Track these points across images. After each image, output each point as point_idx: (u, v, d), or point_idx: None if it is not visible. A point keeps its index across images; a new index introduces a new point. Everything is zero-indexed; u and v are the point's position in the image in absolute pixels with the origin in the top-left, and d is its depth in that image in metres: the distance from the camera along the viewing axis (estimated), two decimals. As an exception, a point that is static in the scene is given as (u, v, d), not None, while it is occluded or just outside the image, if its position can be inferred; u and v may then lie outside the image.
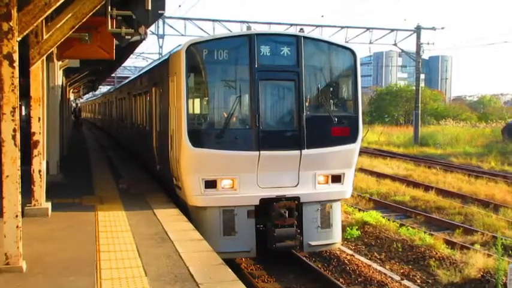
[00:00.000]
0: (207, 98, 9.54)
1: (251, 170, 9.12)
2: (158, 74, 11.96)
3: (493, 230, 13.35)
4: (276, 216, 9.19)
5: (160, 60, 13.15)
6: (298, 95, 9.33)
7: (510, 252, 11.52)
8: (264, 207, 9.27)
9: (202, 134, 9.18)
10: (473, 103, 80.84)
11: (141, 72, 17.84)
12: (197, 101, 9.68)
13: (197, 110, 9.57)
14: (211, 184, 9.09)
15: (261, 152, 9.06)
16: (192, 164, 9.07)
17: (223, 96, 9.60)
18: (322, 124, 9.51)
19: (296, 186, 9.45)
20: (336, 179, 9.77)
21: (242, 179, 9.13)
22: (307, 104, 9.46)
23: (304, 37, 9.60)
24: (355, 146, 9.83)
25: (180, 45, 10.02)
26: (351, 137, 9.75)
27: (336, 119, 9.54)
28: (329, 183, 9.73)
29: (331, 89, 9.91)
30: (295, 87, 9.34)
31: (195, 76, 9.27)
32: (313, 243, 9.60)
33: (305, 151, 9.26)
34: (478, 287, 9.45)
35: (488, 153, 30.96)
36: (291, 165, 9.33)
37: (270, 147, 9.11)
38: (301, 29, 9.58)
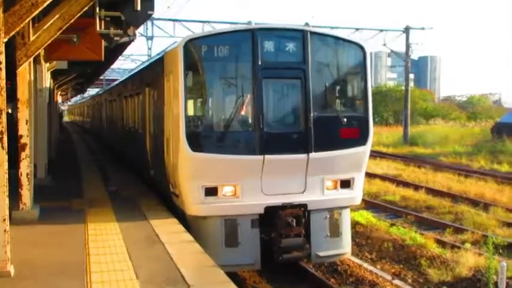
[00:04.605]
0: (206, 99, 8.88)
1: (255, 175, 8.45)
2: (152, 74, 11.37)
3: (483, 228, 13.45)
4: (283, 226, 8.51)
5: (153, 59, 12.47)
6: (305, 94, 8.64)
7: (501, 251, 11.59)
8: (269, 216, 8.59)
9: (202, 137, 8.45)
10: (462, 103, 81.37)
11: (133, 72, 17.36)
12: (196, 101, 9.06)
13: (196, 112, 8.89)
14: (211, 191, 8.41)
15: (266, 156, 8.39)
16: (191, 169, 8.39)
17: (224, 96, 8.97)
18: (330, 125, 8.85)
19: (303, 192, 8.78)
20: (345, 184, 9.13)
21: (245, 185, 8.46)
22: (314, 103, 8.72)
23: (311, 32, 8.86)
24: (366, 149, 9.14)
25: (175, 42, 9.56)
26: (361, 139, 9.05)
27: (345, 120, 8.88)
28: (338, 188, 9.08)
29: (340, 87, 9.34)
30: (302, 85, 8.65)
31: (193, 75, 8.52)
32: (321, 253, 8.92)
33: (312, 154, 8.58)
34: (469, 285, 9.52)
35: (478, 152, 31.18)
36: (298, 169, 8.66)
37: (275, 151, 8.45)
38: (307, 23, 9.14)
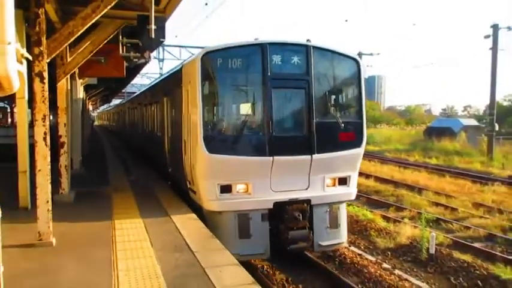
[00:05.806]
0: (221, 106, 7.90)
1: (265, 174, 7.65)
2: (170, 85, 10.38)
3: (417, 207, 13.60)
4: (290, 219, 7.77)
5: (169, 73, 11.49)
6: (309, 102, 7.85)
7: (431, 224, 11.76)
8: (277, 210, 7.83)
9: (218, 141, 7.54)
10: (402, 111, 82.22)
11: (150, 85, 16.57)
12: (212, 108, 8.04)
13: (212, 117, 7.89)
14: (226, 189, 7.59)
15: (274, 157, 7.57)
16: (208, 169, 7.53)
17: (236, 103, 8.15)
18: (330, 130, 8.05)
19: (307, 189, 7.97)
20: (343, 181, 8.36)
21: (256, 183, 7.65)
22: (316, 110, 7.93)
23: (313, 47, 8.05)
24: (360, 150, 8.35)
25: (192, 55, 8.96)
26: (356, 142, 8.25)
27: (343, 125, 8.06)
28: (336, 185, 8.29)
29: (338, 96, 8.49)
30: (306, 94, 7.86)
31: (209, 84, 7.62)
32: (323, 243, 8.16)
33: (315, 156, 7.80)
34: (408, 250, 9.63)
35: (413, 149, 31.56)
36: (302, 169, 7.87)
37: (283, 153, 7.62)
38: (308, 39, 8.49)
